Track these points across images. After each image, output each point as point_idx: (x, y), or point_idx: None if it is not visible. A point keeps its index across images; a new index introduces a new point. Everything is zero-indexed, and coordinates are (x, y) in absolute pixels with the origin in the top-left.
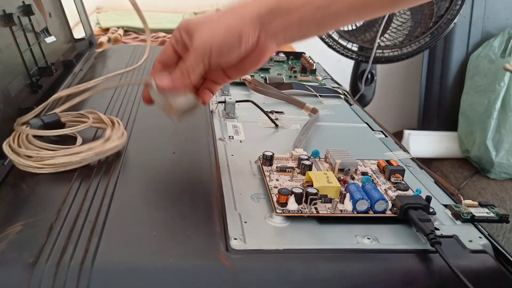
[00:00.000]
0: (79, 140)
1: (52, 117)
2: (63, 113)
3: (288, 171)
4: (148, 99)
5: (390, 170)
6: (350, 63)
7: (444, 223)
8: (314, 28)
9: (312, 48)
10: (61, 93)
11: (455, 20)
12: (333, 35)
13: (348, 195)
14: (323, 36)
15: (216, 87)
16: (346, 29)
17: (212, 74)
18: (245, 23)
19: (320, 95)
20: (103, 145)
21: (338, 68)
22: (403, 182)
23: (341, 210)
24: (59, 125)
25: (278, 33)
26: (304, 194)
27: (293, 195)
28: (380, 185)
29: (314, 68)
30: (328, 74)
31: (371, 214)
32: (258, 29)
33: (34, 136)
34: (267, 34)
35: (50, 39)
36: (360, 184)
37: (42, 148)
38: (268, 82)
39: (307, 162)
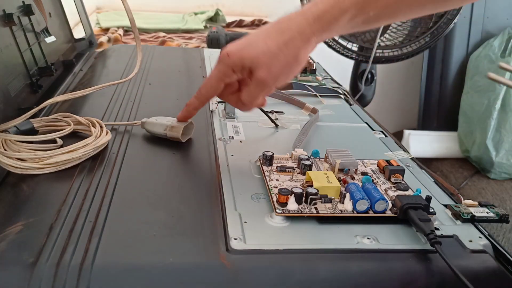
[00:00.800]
0: (60, 142)
1: (25, 124)
2: (35, 119)
3: (288, 171)
4: (184, 118)
5: (390, 170)
6: (350, 63)
7: (444, 223)
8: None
9: None
10: (56, 98)
11: (455, 20)
12: None
13: (348, 195)
14: None
15: None
16: None
17: None
18: (302, 46)
19: (320, 95)
20: (96, 140)
21: (338, 68)
22: (403, 182)
23: (341, 210)
24: (33, 131)
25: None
26: (304, 194)
27: (293, 195)
28: (380, 185)
29: (314, 68)
30: (328, 74)
31: (371, 214)
32: (312, 43)
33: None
34: (317, 41)
35: (50, 39)
36: (360, 184)
37: (35, 150)
38: None
39: (307, 162)
